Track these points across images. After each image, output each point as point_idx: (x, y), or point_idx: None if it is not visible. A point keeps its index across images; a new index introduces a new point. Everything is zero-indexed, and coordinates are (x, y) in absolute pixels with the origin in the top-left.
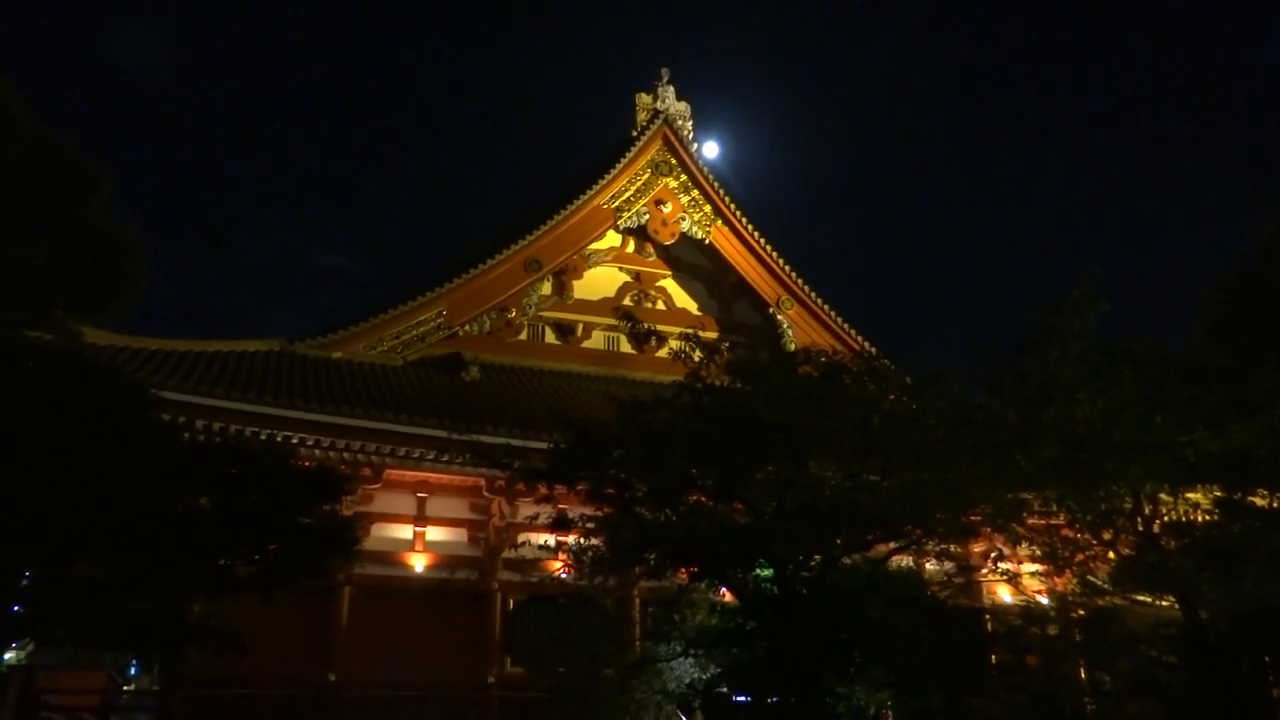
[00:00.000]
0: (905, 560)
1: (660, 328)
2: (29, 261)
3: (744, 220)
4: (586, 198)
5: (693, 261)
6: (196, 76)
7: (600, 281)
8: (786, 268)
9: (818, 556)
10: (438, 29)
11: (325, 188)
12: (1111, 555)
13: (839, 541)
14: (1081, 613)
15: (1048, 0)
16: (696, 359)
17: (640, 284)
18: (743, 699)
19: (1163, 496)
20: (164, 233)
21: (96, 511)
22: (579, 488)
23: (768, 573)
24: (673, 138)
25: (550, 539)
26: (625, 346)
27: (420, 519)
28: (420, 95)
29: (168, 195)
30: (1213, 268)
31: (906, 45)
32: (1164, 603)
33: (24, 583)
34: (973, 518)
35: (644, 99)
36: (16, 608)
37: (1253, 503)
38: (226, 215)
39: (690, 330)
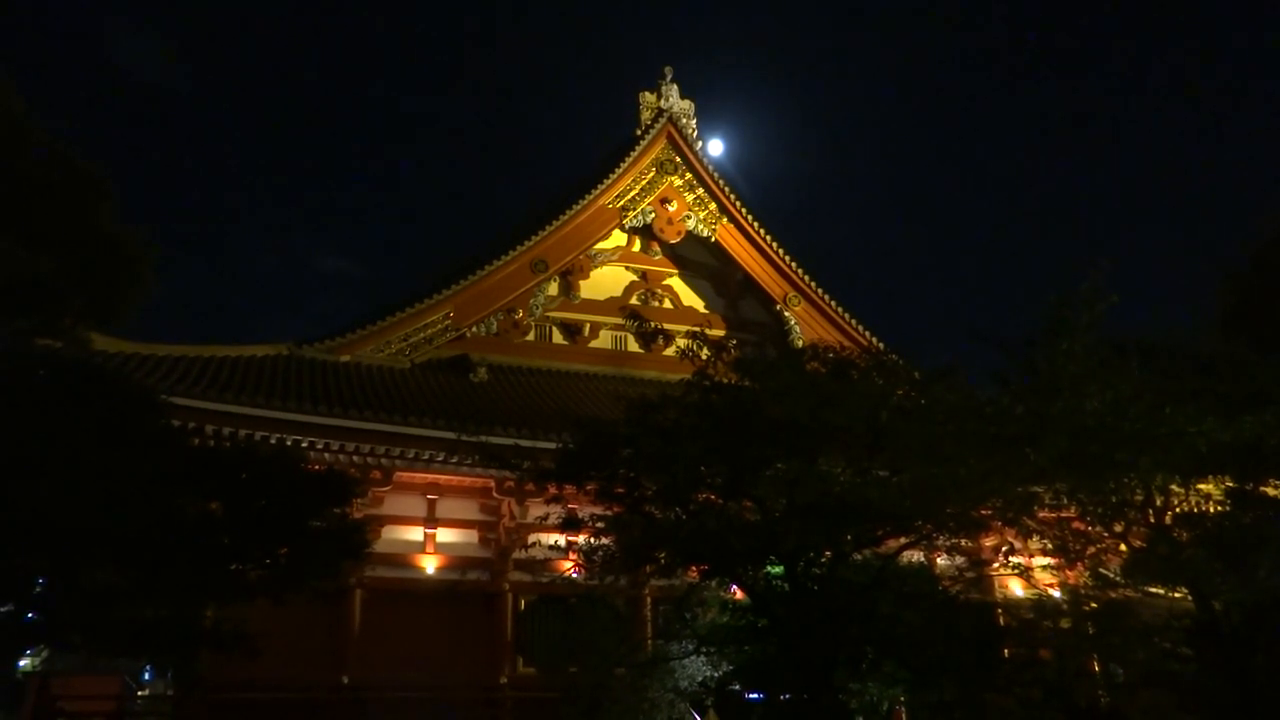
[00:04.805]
0: (916, 555)
1: (667, 326)
2: (38, 269)
3: (749, 217)
4: (591, 197)
5: (699, 259)
6: (203, 82)
7: (606, 281)
8: (793, 264)
9: (828, 553)
10: (441, 30)
11: (329, 191)
12: (1123, 547)
13: (849, 537)
14: (1094, 605)
15: None
16: (704, 357)
17: (647, 283)
18: (756, 696)
19: (1174, 488)
20: (171, 239)
21: (108, 517)
22: (588, 487)
23: (778, 570)
24: (677, 136)
25: (560, 539)
26: (632, 346)
27: (430, 521)
28: (424, 96)
29: (174, 201)
30: (1224, 258)
31: (911, 39)
32: (1177, 594)
33: (37, 590)
34: (983, 512)
35: (648, 97)
36: (30, 615)
37: (1265, 493)
38: (233, 220)
39: (697, 328)
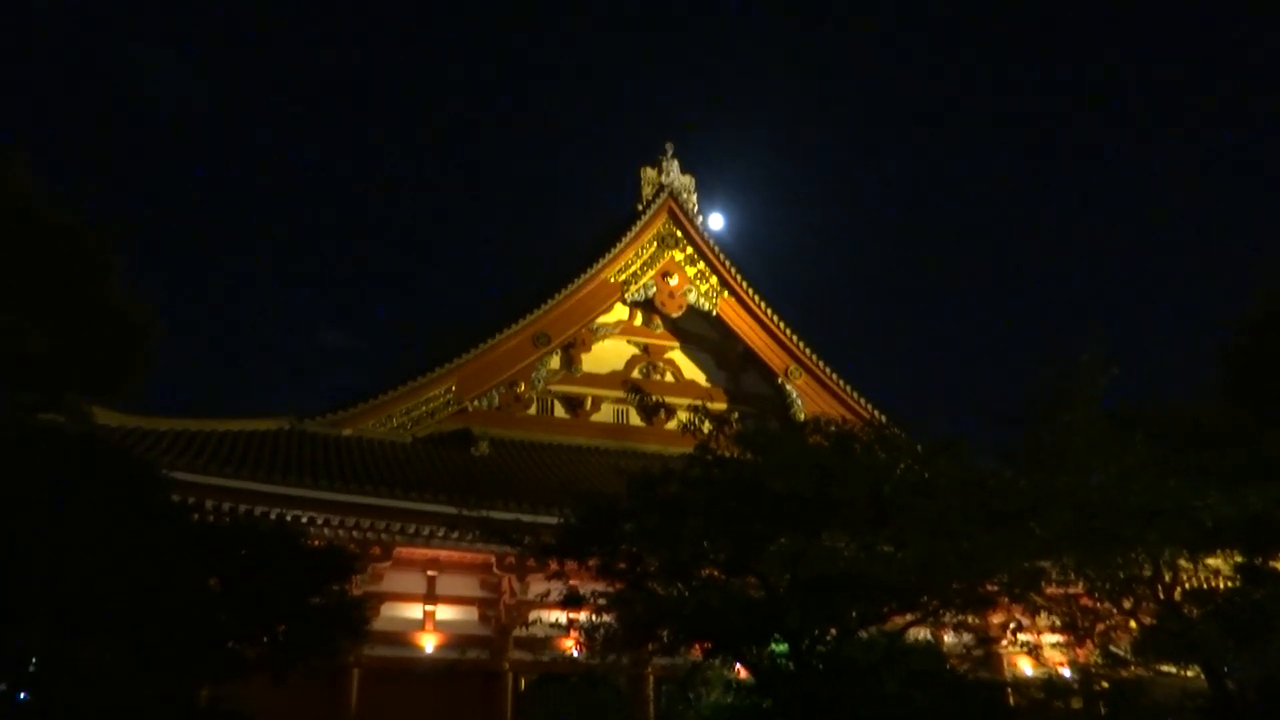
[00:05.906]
0: (923, 633)
1: (669, 400)
2: (41, 344)
3: (750, 291)
4: (593, 272)
5: (700, 333)
6: (207, 150)
7: (608, 354)
8: (794, 337)
9: (833, 630)
10: (443, 106)
11: (333, 265)
12: (1133, 624)
13: (854, 614)
14: (1105, 685)
15: (1060, 55)
16: (706, 431)
17: (648, 356)
18: None
19: (1182, 563)
20: (175, 311)
21: (106, 594)
22: (590, 563)
23: (783, 648)
24: (678, 211)
25: (562, 616)
26: (634, 419)
27: (430, 597)
28: (426, 173)
29: (178, 274)
30: (1225, 328)
31: (912, 112)
32: (1189, 673)
33: (31, 669)
34: (990, 587)
35: (649, 173)
36: (23, 695)
37: (1275, 568)
38: (236, 294)
39: (699, 402)
